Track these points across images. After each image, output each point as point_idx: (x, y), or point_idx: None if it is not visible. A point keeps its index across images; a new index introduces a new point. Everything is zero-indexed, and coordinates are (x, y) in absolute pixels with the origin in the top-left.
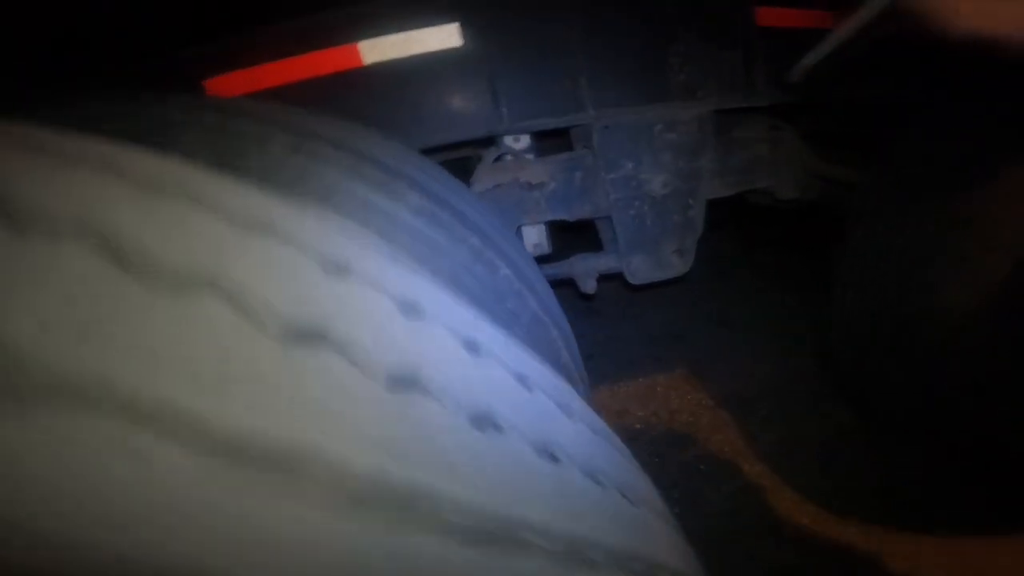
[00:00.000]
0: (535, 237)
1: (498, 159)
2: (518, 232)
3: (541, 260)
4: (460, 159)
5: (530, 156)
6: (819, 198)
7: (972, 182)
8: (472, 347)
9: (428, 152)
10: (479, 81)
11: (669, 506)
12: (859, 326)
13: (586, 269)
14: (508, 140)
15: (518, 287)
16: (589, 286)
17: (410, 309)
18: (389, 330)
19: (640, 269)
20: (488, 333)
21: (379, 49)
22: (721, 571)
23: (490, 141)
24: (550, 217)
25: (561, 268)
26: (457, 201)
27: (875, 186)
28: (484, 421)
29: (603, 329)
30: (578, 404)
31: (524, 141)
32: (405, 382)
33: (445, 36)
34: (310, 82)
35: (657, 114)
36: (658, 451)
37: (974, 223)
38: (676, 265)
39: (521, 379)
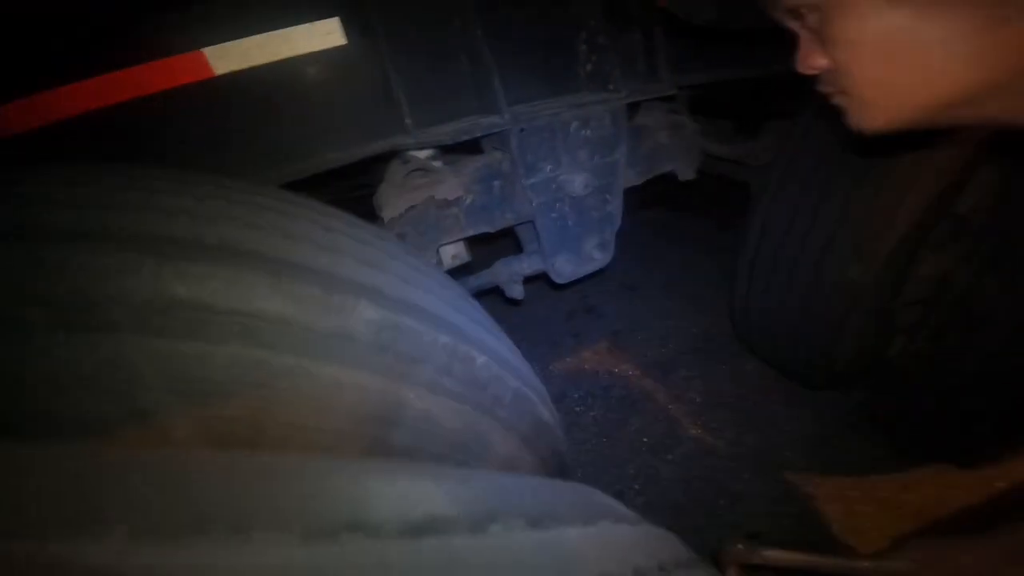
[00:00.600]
0: (452, 248)
1: (407, 175)
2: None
3: (461, 270)
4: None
5: (438, 163)
6: (714, 174)
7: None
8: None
9: (314, 181)
10: (373, 86)
11: (628, 483)
12: (768, 291)
13: (511, 275)
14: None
15: (496, 370)
16: (516, 292)
17: None
18: None
19: (565, 268)
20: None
21: (233, 55)
22: (693, 537)
23: (386, 157)
24: (472, 232)
25: (485, 278)
26: (418, 295)
27: (778, 168)
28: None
29: (519, 313)
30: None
31: (427, 149)
32: None
33: (324, 34)
34: (139, 103)
35: (572, 111)
36: (603, 431)
37: (871, 206)
38: (598, 259)
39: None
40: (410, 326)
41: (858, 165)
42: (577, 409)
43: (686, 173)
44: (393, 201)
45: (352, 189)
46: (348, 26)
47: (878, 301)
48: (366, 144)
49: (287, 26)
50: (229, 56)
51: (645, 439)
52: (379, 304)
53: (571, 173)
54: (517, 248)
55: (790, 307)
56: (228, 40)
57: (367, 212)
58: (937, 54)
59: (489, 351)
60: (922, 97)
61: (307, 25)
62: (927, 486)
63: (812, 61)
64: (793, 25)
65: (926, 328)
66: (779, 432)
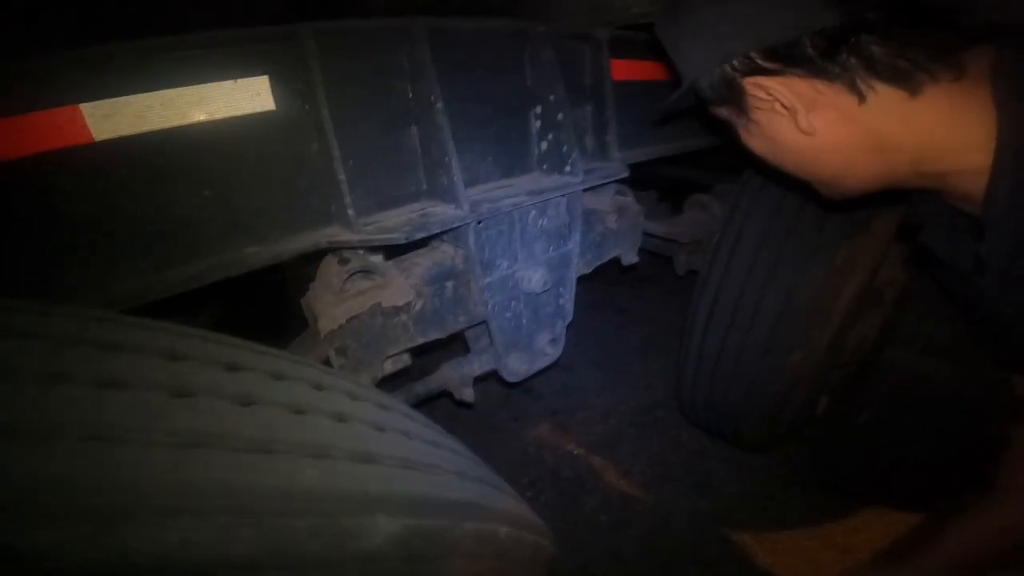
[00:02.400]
0: None
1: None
2: None
3: (401, 374)
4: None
5: (379, 258)
6: (653, 252)
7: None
8: None
9: (230, 285)
10: (308, 163)
11: (595, 563)
12: (715, 375)
13: (461, 378)
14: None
15: (513, 532)
16: (467, 395)
17: None
18: None
19: (518, 367)
20: None
21: (124, 115)
22: None
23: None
24: (421, 341)
25: (433, 383)
26: (427, 478)
27: (722, 255)
28: None
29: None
30: None
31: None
32: None
33: (249, 95)
34: None
35: (531, 198)
36: (558, 514)
37: (814, 296)
38: (550, 354)
39: None
40: (432, 527)
41: (799, 253)
42: (528, 494)
43: (630, 257)
44: (330, 311)
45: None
46: (280, 87)
47: (817, 377)
48: (295, 238)
49: (202, 82)
50: (117, 116)
51: (603, 518)
52: (396, 510)
53: (528, 269)
54: (460, 344)
55: (736, 388)
56: (117, 95)
57: (285, 314)
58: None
59: (503, 514)
60: (829, 178)
61: (228, 83)
62: (874, 526)
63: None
64: None
65: (846, 387)
66: (728, 495)
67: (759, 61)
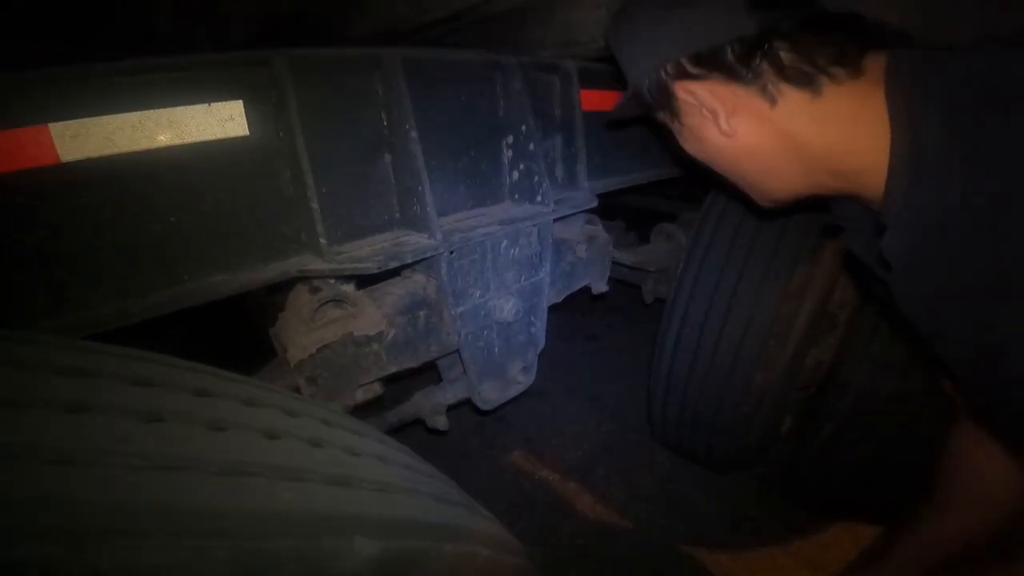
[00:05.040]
0: None
1: (319, 307)
2: None
3: (372, 405)
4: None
5: (350, 288)
6: (622, 281)
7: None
8: None
9: (197, 312)
10: (280, 190)
11: None
12: (684, 399)
13: (434, 406)
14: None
15: (492, 555)
16: (440, 423)
17: None
18: None
19: (491, 396)
20: None
21: (92, 137)
22: None
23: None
24: (393, 369)
25: (405, 411)
26: (405, 500)
27: (687, 282)
28: None
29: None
30: None
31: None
32: None
33: (222, 120)
34: None
35: (503, 228)
36: (536, 538)
37: (771, 319)
38: (522, 382)
39: None
40: (411, 549)
41: (757, 281)
42: (506, 520)
43: (600, 286)
44: (301, 340)
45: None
46: (255, 112)
47: (778, 397)
48: (266, 266)
49: (174, 105)
50: (85, 137)
51: (580, 542)
52: (374, 532)
53: (499, 298)
54: (433, 373)
55: (705, 411)
56: (87, 115)
57: (253, 342)
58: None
59: (480, 535)
60: (755, 182)
61: (201, 107)
62: (844, 541)
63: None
64: None
65: (807, 407)
66: (702, 515)
67: (687, 66)
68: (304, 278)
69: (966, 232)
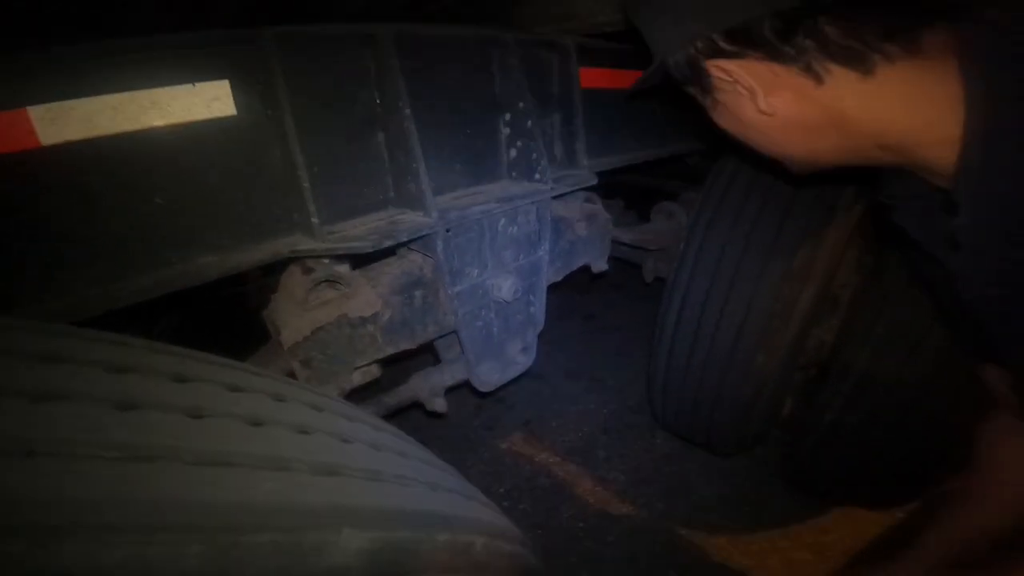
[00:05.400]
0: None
1: (312, 288)
2: None
3: (369, 387)
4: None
5: (345, 268)
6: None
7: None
8: None
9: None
10: (270, 170)
11: (575, 571)
12: (685, 381)
13: (432, 388)
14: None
15: (490, 543)
16: (439, 405)
17: None
18: None
19: (490, 377)
20: None
21: (72, 119)
22: None
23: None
24: (391, 351)
25: (404, 394)
26: (395, 490)
27: (687, 262)
28: None
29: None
30: None
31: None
32: None
33: (208, 100)
34: None
35: (501, 206)
36: (535, 521)
37: (772, 301)
38: (521, 363)
39: None
40: (404, 539)
41: (758, 261)
42: (505, 504)
43: (600, 265)
44: (295, 322)
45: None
46: (241, 92)
47: (780, 380)
48: (256, 247)
49: (158, 85)
50: (66, 120)
51: (580, 524)
52: (363, 523)
53: (498, 277)
54: (431, 354)
55: (706, 393)
56: (67, 98)
57: (246, 326)
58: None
59: (476, 524)
60: (788, 155)
61: (185, 87)
62: (843, 526)
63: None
64: None
65: (808, 390)
66: (702, 498)
67: (720, 43)
68: (297, 258)
69: None
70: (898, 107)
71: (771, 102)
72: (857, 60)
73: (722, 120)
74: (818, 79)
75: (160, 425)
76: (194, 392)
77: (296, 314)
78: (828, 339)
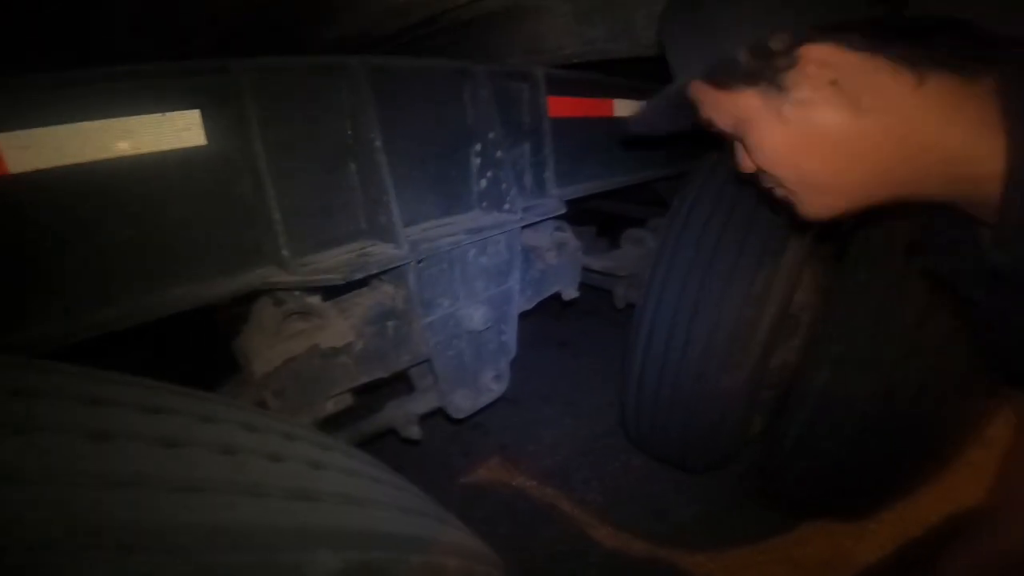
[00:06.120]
0: None
1: (284, 320)
2: None
3: (343, 415)
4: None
5: (316, 300)
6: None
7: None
8: None
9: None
10: (240, 201)
11: None
12: (656, 402)
13: (406, 416)
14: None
15: (463, 565)
16: (413, 432)
17: None
18: None
19: (463, 404)
20: None
21: (44, 147)
22: None
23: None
24: (364, 380)
25: (377, 422)
26: (369, 512)
27: (655, 287)
28: None
29: None
30: None
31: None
32: None
33: (178, 129)
34: None
35: (471, 236)
36: (517, 544)
37: (736, 322)
38: (495, 390)
39: None
40: (377, 561)
41: (721, 286)
42: (484, 528)
43: (570, 292)
44: (266, 353)
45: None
46: (213, 122)
47: (747, 399)
48: (226, 279)
49: (128, 114)
50: (36, 148)
51: (561, 547)
52: (338, 545)
53: (469, 307)
54: (404, 381)
55: (677, 414)
56: (37, 125)
57: (216, 357)
58: (838, 154)
59: (449, 546)
60: (844, 187)
61: (156, 116)
62: (818, 539)
63: (743, 164)
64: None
65: (775, 408)
66: (680, 516)
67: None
68: (268, 291)
69: None
70: (971, 129)
71: (867, 100)
72: (957, 66)
73: (777, 133)
74: (920, 78)
75: (135, 454)
76: (168, 422)
77: (267, 345)
78: (791, 359)
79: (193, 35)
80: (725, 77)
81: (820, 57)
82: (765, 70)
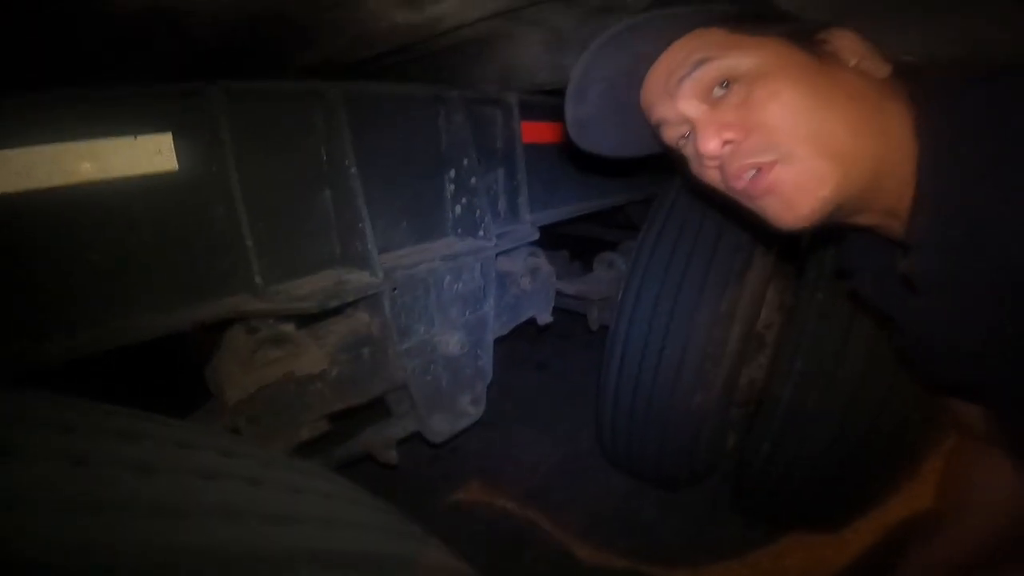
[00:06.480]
0: None
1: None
2: None
3: (320, 441)
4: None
5: (289, 327)
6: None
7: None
8: None
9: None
10: (213, 227)
11: None
12: (632, 421)
13: (384, 441)
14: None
15: None
16: (391, 457)
17: None
18: None
19: (440, 428)
20: None
21: (9, 171)
22: None
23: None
24: (339, 407)
25: (354, 447)
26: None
27: (626, 309)
28: None
29: None
30: None
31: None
32: None
33: (149, 153)
34: None
35: (446, 263)
36: (498, 567)
37: (705, 341)
38: (472, 414)
39: None
40: None
41: (689, 306)
42: (466, 550)
43: (544, 317)
44: (239, 380)
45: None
46: (185, 146)
47: (719, 415)
48: (197, 306)
49: (97, 137)
50: (2, 170)
51: (543, 568)
52: (318, 568)
53: (445, 333)
54: (382, 405)
55: (652, 433)
56: (3, 148)
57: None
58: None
59: (430, 566)
60: (842, 149)
61: (127, 139)
62: (798, 551)
63: (721, 137)
64: (695, 113)
65: (747, 424)
66: (661, 534)
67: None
68: (241, 318)
69: (1002, 245)
70: (895, 122)
71: (874, 66)
72: (904, 69)
73: (793, 86)
74: (887, 65)
75: (110, 479)
76: (143, 448)
77: (241, 372)
78: (759, 376)
79: (168, 58)
80: (754, 21)
81: (841, 31)
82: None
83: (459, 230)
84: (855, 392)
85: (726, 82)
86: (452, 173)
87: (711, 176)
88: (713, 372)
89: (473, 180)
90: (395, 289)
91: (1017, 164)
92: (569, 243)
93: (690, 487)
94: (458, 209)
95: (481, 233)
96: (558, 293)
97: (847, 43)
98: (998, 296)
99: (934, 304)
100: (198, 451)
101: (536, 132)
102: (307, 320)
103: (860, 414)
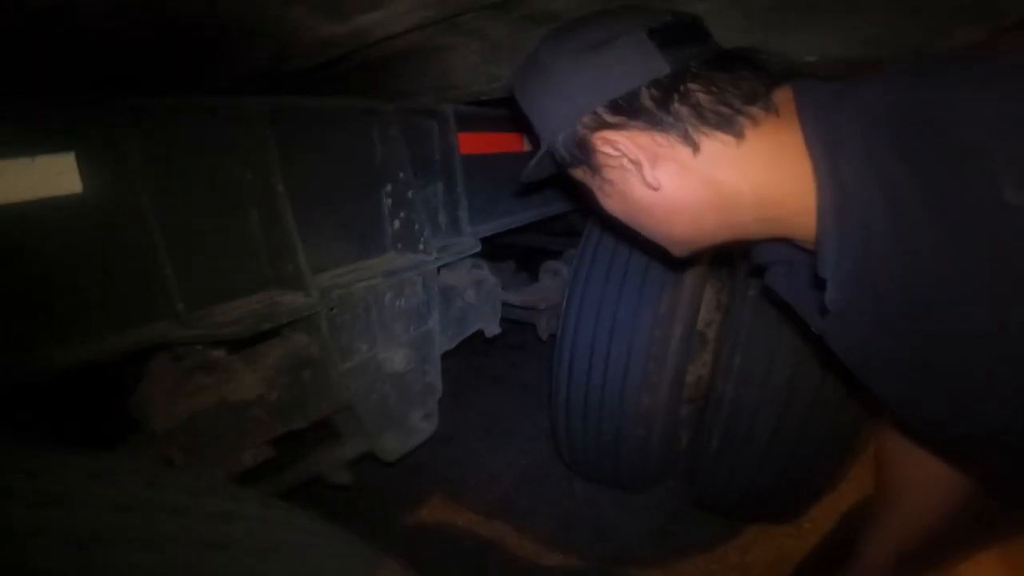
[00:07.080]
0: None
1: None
2: None
3: (266, 466)
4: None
5: (220, 353)
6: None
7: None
8: None
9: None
10: (125, 253)
11: None
12: (585, 424)
13: (334, 463)
14: None
15: None
16: (343, 478)
17: None
18: None
19: (392, 446)
20: None
21: None
22: None
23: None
24: (282, 431)
25: (302, 471)
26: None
27: (571, 315)
28: None
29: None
30: None
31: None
32: None
33: (51, 175)
34: None
35: (386, 280)
36: None
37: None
38: (425, 429)
39: None
40: None
41: (630, 310)
42: (432, 569)
43: (492, 329)
44: (168, 409)
45: None
46: (89, 167)
47: (669, 415)
48: (113, 336)
49: None
50: None
51: None
52: None
53: (389, 350)
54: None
55: (605, 437)
56: None
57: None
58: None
59: None
60: (679, 237)
61: (23, 160)
62: (763, 542)
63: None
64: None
65: (696, 420)
66: (628, 535)
67: (605, 116)
68: (165, 346)
69: (899, 278)
70: (770, 175)
71: (656, 174)
72: (727, 124)
73: (610, 201)
74: (695, 147)
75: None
76: (56, 483)
77: (169, 401)
78: (704, 374)
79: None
80: (560, 160)
81: (609, 142)
82: (580, 155)
83: (399, 245)
84: (791, 384)
85: None
86: (389, 187)
87: None
88: (659, 372)
89: (410, 194)
90: (332, 309)
91: (917, 201)
92: (515, 254)
93: (652, 487)
94: (396, 224)
95: (421, 247)
96: (505, 304)
97: (610, 152)
98: (889, 326)
99: (837, 329)
100: (114, 484)
101: (474, 143)
102: (241, 345)
103: (797, 404)
